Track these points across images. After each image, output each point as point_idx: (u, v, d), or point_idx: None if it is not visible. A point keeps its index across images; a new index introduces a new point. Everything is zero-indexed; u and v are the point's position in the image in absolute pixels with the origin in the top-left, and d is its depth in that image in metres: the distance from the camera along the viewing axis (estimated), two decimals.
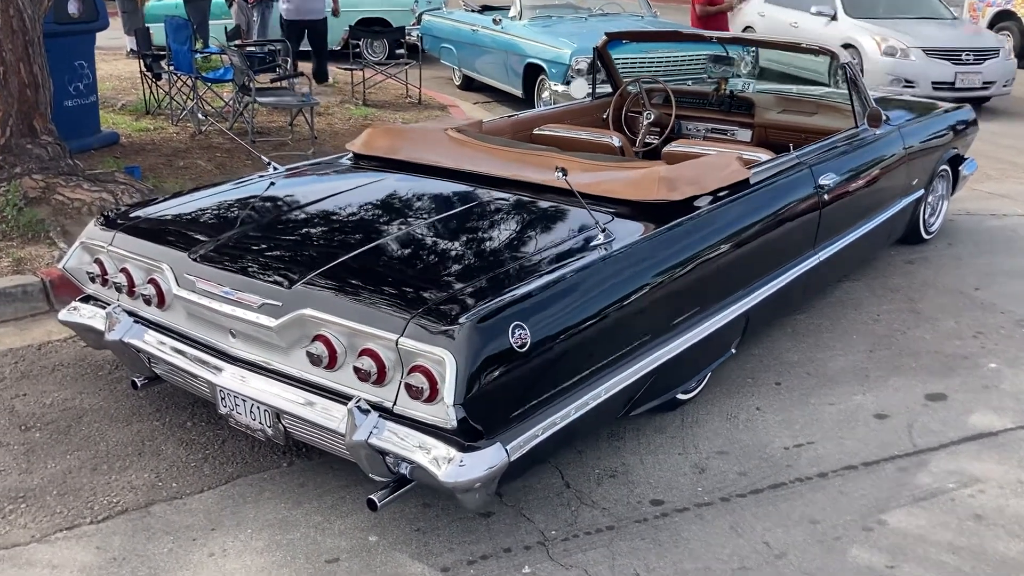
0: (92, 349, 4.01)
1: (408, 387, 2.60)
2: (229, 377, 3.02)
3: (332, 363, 2.77)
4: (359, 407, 2.66)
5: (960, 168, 5.91)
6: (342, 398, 2.76)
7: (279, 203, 3.74)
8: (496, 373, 2.59)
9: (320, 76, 10.72)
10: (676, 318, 3.31)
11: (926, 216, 5.72)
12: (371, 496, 2.72)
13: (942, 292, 5.08)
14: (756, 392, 3.87)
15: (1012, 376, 4.07)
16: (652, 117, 5.39)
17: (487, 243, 3.27)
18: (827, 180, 4.22)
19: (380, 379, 2.68)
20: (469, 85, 11.45)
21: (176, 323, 3.24)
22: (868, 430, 3.58)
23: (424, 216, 3.53)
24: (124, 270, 3.35)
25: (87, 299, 3.61)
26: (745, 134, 5.43)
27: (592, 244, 3.08)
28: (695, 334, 3.39)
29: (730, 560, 2.82)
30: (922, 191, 5.41)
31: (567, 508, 3.06)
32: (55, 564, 2.79)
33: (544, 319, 2.75)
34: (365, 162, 4.21)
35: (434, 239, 3.28)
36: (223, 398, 3.07)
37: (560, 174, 3.01)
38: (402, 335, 2.60)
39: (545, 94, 9.67)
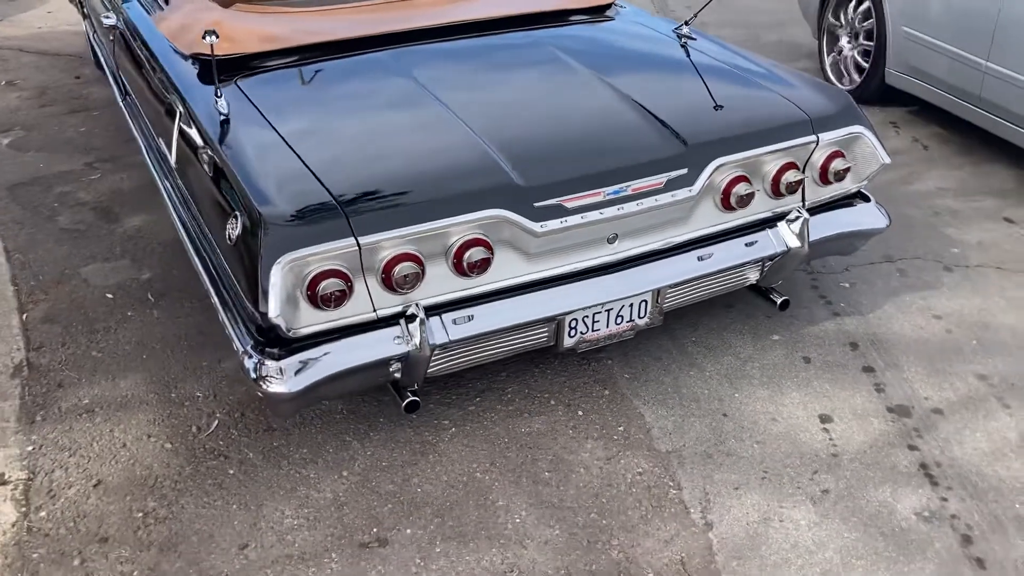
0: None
1: (834, 173, 2.92)
2: (599, 288, 2.67)
3: (748, 200, 2.81)
4: (797, 213, 2.89)
5: None
6: (738, 233, 2.90)
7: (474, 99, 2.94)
8: None
9: None
10: None
11: None
12: (784, 298, 3.10)
13: None
14: None
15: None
16: None
17: (662, 53, 3.38)
18: None
19: (796, 186, 2.86)
20: None
21: (511, 275, 2.58)
22: None
23: (577, 57, 3.20)
24: (404, 259, 2.37)
25: (268, 344, 2.39)
26: None
27: (684, 36, 3.44)
28: None
29: None
30: None
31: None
32: None
33: None
34: (256, 61, 3.07)
35: (629, 60, 3.34)
36: (572, 327, 2.67)
37: None
38: (816, 133, 2.85)
39: None
